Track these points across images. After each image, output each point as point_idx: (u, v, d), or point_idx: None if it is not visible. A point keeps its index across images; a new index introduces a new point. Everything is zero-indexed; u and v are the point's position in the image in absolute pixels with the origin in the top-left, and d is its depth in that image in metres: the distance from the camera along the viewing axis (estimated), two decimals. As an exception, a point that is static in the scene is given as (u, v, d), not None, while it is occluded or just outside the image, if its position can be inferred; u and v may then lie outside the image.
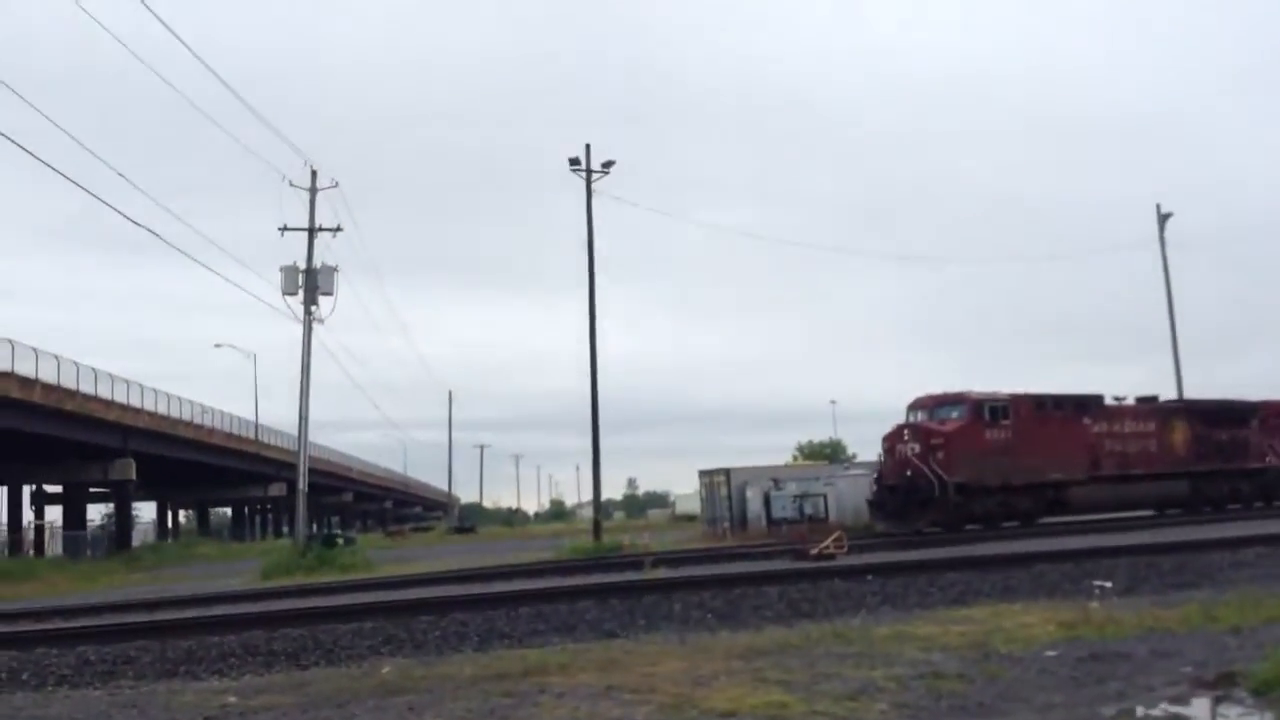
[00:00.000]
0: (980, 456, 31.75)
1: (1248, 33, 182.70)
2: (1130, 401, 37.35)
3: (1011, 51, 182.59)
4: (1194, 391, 46.98)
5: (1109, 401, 36.17)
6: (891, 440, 33.33)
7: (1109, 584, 15.73)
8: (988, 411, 32.72)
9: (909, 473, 31.66)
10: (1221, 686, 8.42)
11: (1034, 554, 19.29)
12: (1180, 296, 50.92)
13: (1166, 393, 44.47)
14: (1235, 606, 12.06)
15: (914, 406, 34.11)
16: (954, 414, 32.66)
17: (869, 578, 16.90)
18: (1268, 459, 38.95)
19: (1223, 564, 17.40)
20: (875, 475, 34.65)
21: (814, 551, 22.93)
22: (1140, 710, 7.74)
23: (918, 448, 32.02)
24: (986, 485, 31.79)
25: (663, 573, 19.86)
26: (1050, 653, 10.11)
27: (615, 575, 20.35)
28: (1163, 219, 52.05)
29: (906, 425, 33.10)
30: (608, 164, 39.29)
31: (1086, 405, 35.06)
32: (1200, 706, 7.94)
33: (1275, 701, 7.63)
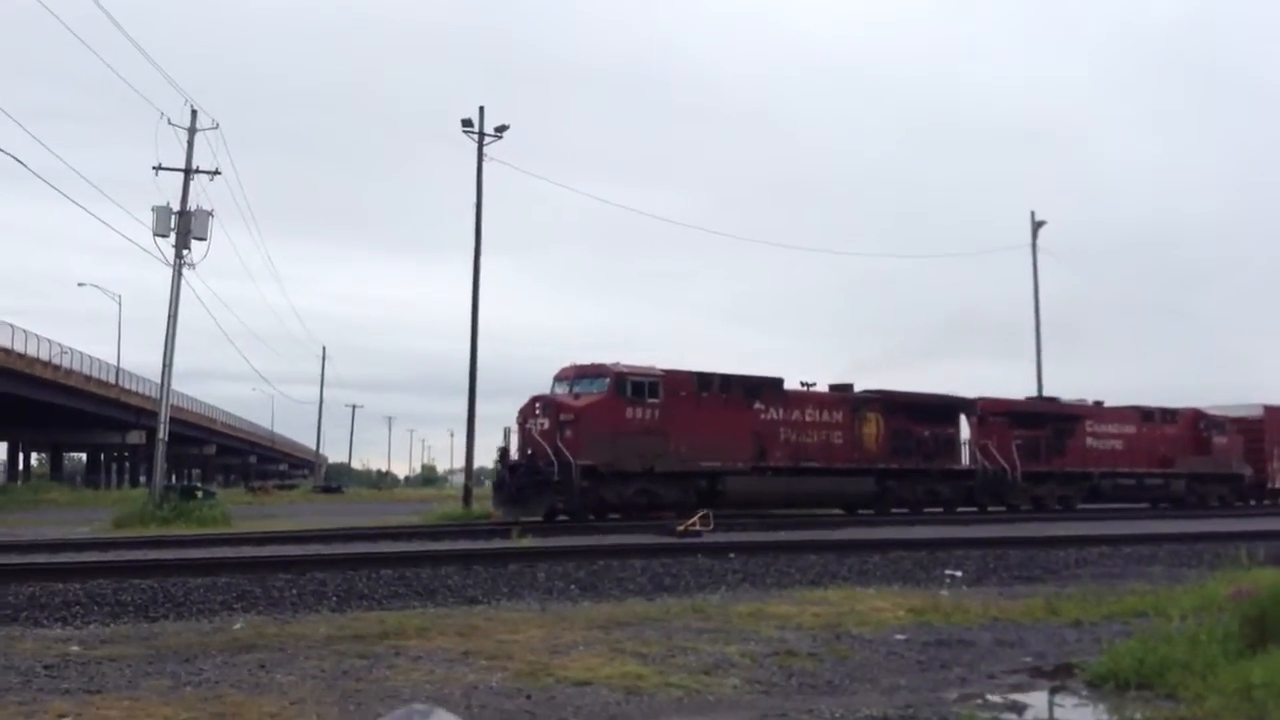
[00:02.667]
0: (617, 437, 27.86)
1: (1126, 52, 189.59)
2: (821, 389, 33.94)
3: (919, 50, 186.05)
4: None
5: (791, 387, 32.67)
6: (524, 415, 29.11)
7: (959, 573, 16.26)
8: (630, 387, 28.74)
9: (530, 452, 28.00)
10: (1059, 677, 8.77)
11: (891, 540, 19.82)
12: (1054, 297, 52.65)
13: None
14: (1077, 601, 12.57)
15: (558, 378, 30.44)
16: (593, 388, 28.87)
17: (731, 556, 17.15)
18: (979, 460, 35.96)
19: (1068, 560, 18.10)
20: (498, 454, 30.19)
21: (680, 528, 23.18)
22: (981, 696, 8.01)
23: (546, 424, 28.02)
24: (624, 470, 27.95)
25: (529, 541, 19.84)
26: (899, 636, 10.41)
27: (481, 542, 20.27)
28: (1035, 226, 54.01)
29: (539, 399, 29.14)
30: (501, 128, 38.84)
31: (758, 389, 31.40)
32: (1038, 695, 8.25)
33: (1108, 694, 7.98)
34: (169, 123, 36.66)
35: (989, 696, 7.96)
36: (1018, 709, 7.61)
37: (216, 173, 37.65)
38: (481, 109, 38.97)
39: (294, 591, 13.14)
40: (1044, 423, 38.06)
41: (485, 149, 38.55)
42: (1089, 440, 38.99)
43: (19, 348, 58.09)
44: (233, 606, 12.22)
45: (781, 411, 31.76)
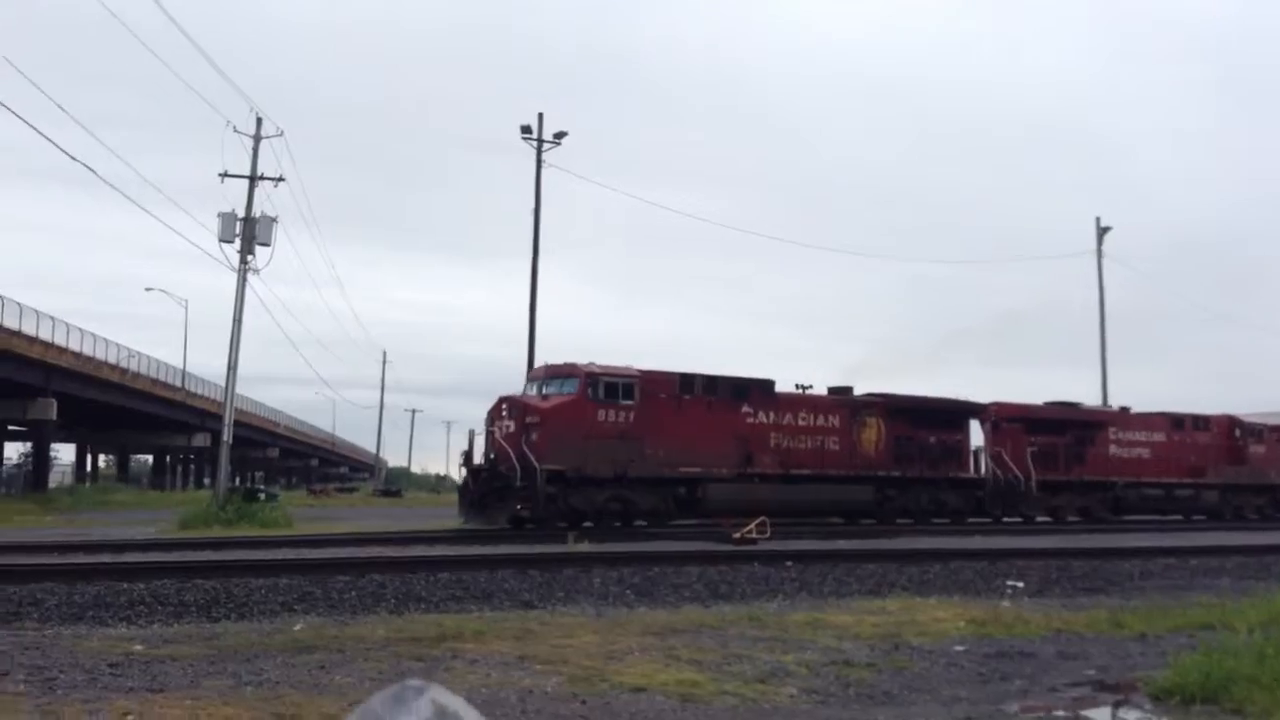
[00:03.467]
0: (588, 441, 26.31)
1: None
2: (819, 392, 32.17)
3: (973, 57, 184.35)
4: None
5: (784, 389, 30.86)
6: (491, 417, 27.66)
7: (1021, 584, 16.02)
8: (603, 389, 27.11)
9: (493, 455, 26.67)
10: (1123, 691, 8.61)
11: (951, 550, 19.59)
12: (1120, 303, 51.83)
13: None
14: (1142, 614, 12.34)
15: (530, 378, 29.25)
16: (563, 389, 27.34)
17: (788, 564, 17.04)
18: (990, 468, 34.23)
19: (1133, 572, 17.78)
20: (462, 459, 28.88)
21: (736, 535, 23.08)
22: (1042, 709, 7.88)
23: (511, 427, 26.52)
24: (594, 476, 26.41)
25: (585, 547, 19.86)
26: (959, 648, 10.27)
27: (537, 546, 20.33)
28: (1101, 231, 53.26)
29: (505, 399, 27.70)
30: (560, 134, 39.09)
31: (746, 391, 29.59)
32: (1101, 709, 8.10)
33: (1173, 708, 7.81)
34: (234, 130, 37.28)
35: (1051, 709, 7.83)
36: (1080, 723, 7.47)
37: (281, 179, 38.21)
38: (540, 116, 39.29)
39: (353, 593, 13.26)
40: (1063, 429, 36.11)
41: (545, 155, 38.77)
42: (1112, 448, 37.11)
43: (87, 351, 59.36)
44: (293, 608, 12.35)
45: (772, 415, 29.92)
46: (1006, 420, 35.13)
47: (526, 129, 38.94)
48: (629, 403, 27.32)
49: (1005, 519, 33.78)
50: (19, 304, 51.37)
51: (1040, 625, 11.66)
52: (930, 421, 32.89)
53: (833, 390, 32.54)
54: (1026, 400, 37.05)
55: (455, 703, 0.48)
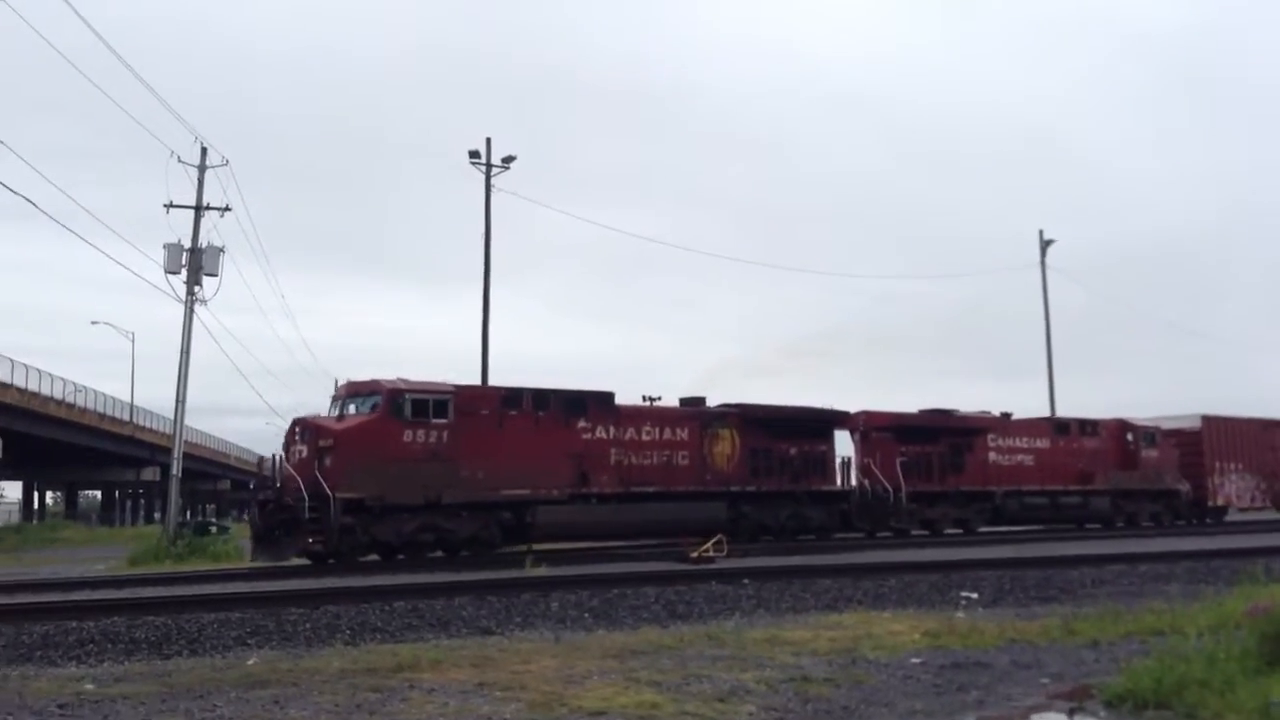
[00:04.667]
0: (391, 465, 23.71)
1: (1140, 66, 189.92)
2: (669, 404, 29.87)
3: (910, 63, 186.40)
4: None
5: (628, 401, 28.54)
6: (286, 442, 25.04)
7: (975, 595, 16.17)
8: (410, 406, 24.47)
9: (280, 484, 23.86)
10: (1077, 698, 8.71)
11: (905, 564, 19.73)
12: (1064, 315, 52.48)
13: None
14: (1094, 621, 12.50)
15: (334, 397, 26.66)
16: (365, 408, 24.69)
17: (745, 582, 17.09)
18: (856, 480, 32.15)
19: (1084, 580, 18.00)
20: (253, 487, 26.03)
21: (694, 555, 23.10)
22: (998, 719, 7.96)
23: (304, 451, 23.94)
24: (400, 503, 23.77)
25: (543, 571, 19.80)
26: (915, 660, 10.35)
27: (494, 572, 20.23)
28: (1044, 244, 54.13)
29: (299, 422, 25.24)
30: (508, 159, 39.06)
31: (582, 405, 27.31)
32: (1056, 717, 8.20)
33: (1127, 714, 7.92)
34: (179, 160, 36.91)
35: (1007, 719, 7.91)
36: (1035, 731, 7.56)
37: (227, 209, 37.87)
38: (489, 140, 39.23)
39: (308, 625, 13.13)
40: (937, 437, 34.12)
41: (493, 180, 38.75)
42: (992, 456, 35.10)
43: (33, 387, 58.31)
44: (246, 642, 12.21)
45: (612, 430, 27.58)
46: (876, 429, 33.20)
47: (475, 153, 38.91)
48: (441, 421, 24.76)
49: (877, 534, 32.02)
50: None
51: (995, 635, 11.78)
52: (791, 432, 30.81)
53: (684, 401, 30.52)
54: (899, 409, 35.02)
55: None
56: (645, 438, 28.28)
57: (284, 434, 25.37)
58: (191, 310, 36.66)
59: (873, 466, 32.32)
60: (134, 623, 13.01)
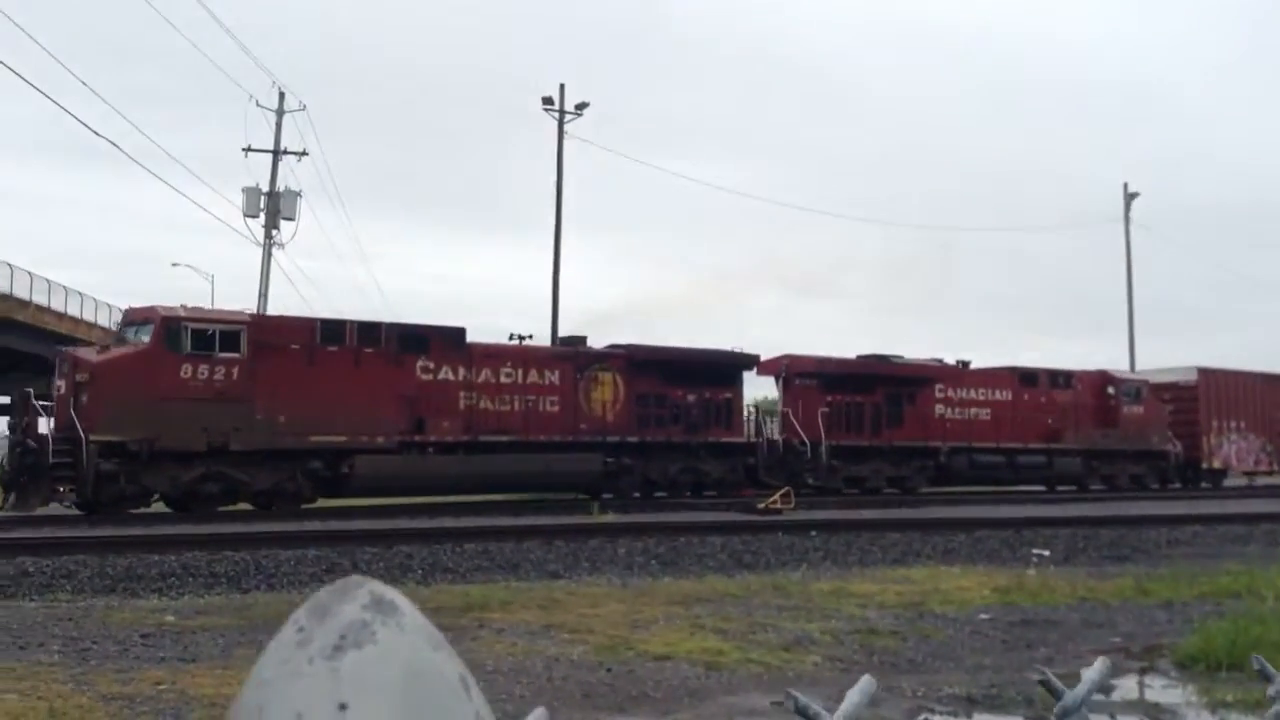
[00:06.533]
0: (164, 404, 20.44)
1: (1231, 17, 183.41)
2: (542, 343, 27.13)
3: (999, 14, 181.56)
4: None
5: (484, 339, 25.67)
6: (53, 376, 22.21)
7: (1047, 553, 16.01)
8: (191, 337, 21.21)
9: (27, 423, 20.92)
10: (1149, 658, 8.62)
11: (976, 520, 19.57)
12: (1153, 273, 51.34)
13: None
14: (1168, 582, 12.32)
15: (124, 323, 23.62)
16: (139, 338, 21.67)
17: (813, 533, 17.08)
18: (766, 431, 29.35)
19: (1160, 540, 17.73)
20: (7, 429, 22.92)
21: (761, 505, 23.12)
22: (1067, 676, 7.90)
23: (63, 387, 20.93)
24: (177, 449, 20.64)
25: (611, 518, 19.97)
26: (984, 616, 10.29)
27: (562, 517, 20.44)
28: (1129, 198, 52.81)
29: (59, 352, 22.67)
30: (581, 105, 38.92)
31: (422, 343, 24.21)
32: (1127, 676, 8.11)
33: (1199, 675, 7.81)
34: (257, 105, 37.38)
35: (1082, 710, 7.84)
36: (1105, 690, 7.48)
37: (304, 154, 38.34)
38: (562, 86, 39.09)
39: (381, 564, 13.39)
40: (872, 386, 30.49)
41: (566, 126, 38.70)
42: (939, 408, 31.49)
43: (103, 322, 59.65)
44: (322, 578, 12.46)
45: (461, 371, 24.47)
46: (799, 376, 29.93)
47: (548, 100, 38.85)
48: (232, 355, 21.60)
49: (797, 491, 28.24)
50: (47, 280, 51.67)
51: (1066, 593, 11.66)
52: (689, 378, 27.62)
53: (564, 341, 27.93)
54: (830, 354, 31.74)
55: (391, 593, 0.51)
56: (504, 380, 25.19)
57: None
58: (269, 253, 37.28)
59: (791, 417, 29.29)
60: (214, 557, 13.36)
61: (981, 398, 32.44)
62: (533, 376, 25.59)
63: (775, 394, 30.78)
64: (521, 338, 26.51)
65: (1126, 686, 7.78)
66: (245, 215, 37.15)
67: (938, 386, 31.79)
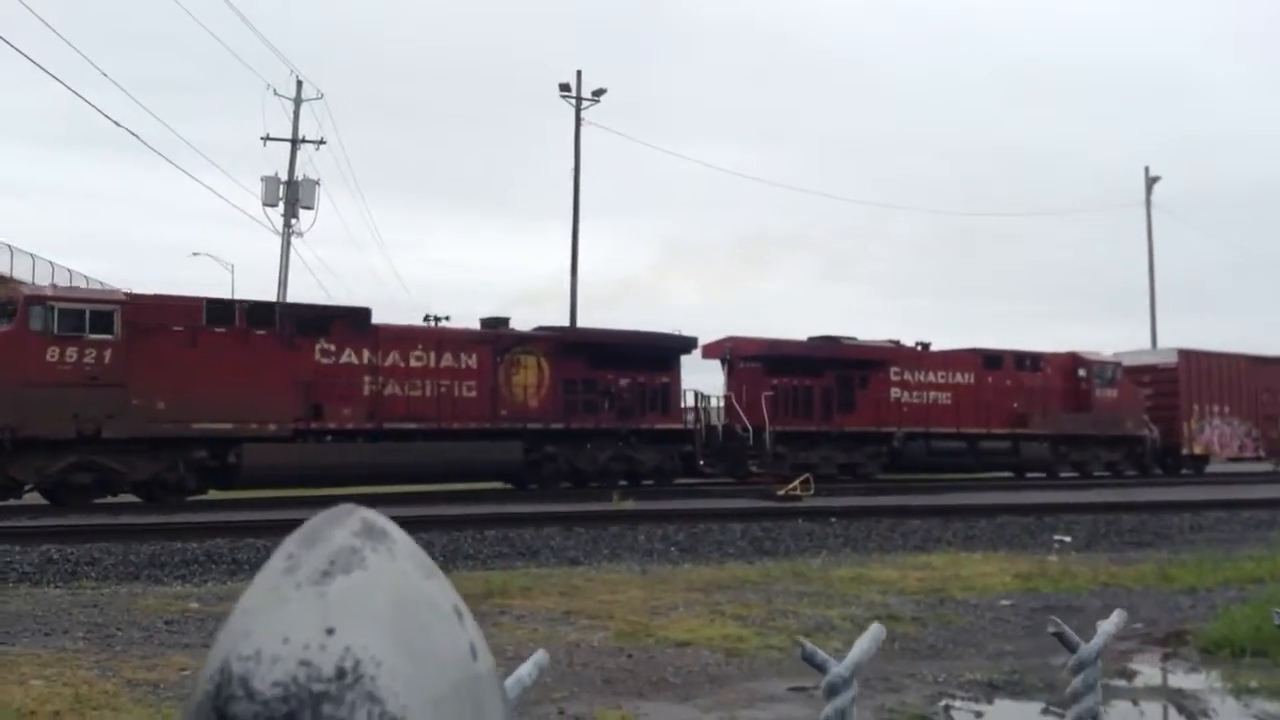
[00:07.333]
0: (27, 389, 19.34)
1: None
2: (462, 325, 25.44)
3: None
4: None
5: (391, 320, 24.47)
6: None
7: (1068, 539, 15.94)
8: (59, 318, 20.03)
9: None
10: (1171, 644, 8.58)
11: (996, 506, 19.50)
12: (1177, 258, 50.91)
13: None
14: (1191, 568, 12.26)
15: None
16: (4, 321, 20.45)
17: (832, 520, 17.05)
18: (705, 417, 28.16)
19: (1182, 526, 17.64)
20: None
21: (780, 492, 23.10)
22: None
23: None
24: (43, 436, 19.37)
25: (630, 505, 19.98)
26: (1005, 602, 10.26)
27: (582, 505, 20.47)
28: (1150, 182, 52.44)
29: None
30: (599, 92, 38.83)
31: (322, 324, 22.95)
32: (1149, 662, 8.08)
33: (1222, 661, 7.77)
34: (275, 94, 37.46)
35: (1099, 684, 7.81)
36: (1128, 675, 7.47)
37: (322, 142, 38.41)
38: (579, 73, 38.99)
39: (402, 551, 13.43)
40: (821, 370, 29.04)
41: (584, 113, 38.65)
42: (894, 392, 30.03)
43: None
44: (342, 565, 12.54)
45: (365, 354, 23.07)
46: (743, 359, 28.50)
47: (565, 87, 38.79)
48: (105, 337, 20.30)
49: (743, 481, 27.65)
50: (69, 269, 52.01)
51: (1088, 579, 11.62)
52: (622, 361, 26.17)
53: (484, 323, 26.15)
54: (779, 336, 30.13)
55: (383, 521, 0.51)
56: (414, 364, 23.78)
57: None
58: (288, 242, 37.40)
59: (734, 402, 27.98)
60: (237, 544, 13.45)
61: (941, 381, 31.09)
62: (447, 360, 24.18)
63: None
64: (438, 319, 25.04)
65: (1150, 672, 7.76)
66: (264, 204, 37.28)
67: (893, 369, 30.43)
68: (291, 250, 37.63)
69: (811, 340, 30.33)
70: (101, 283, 55.35)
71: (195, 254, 78.52)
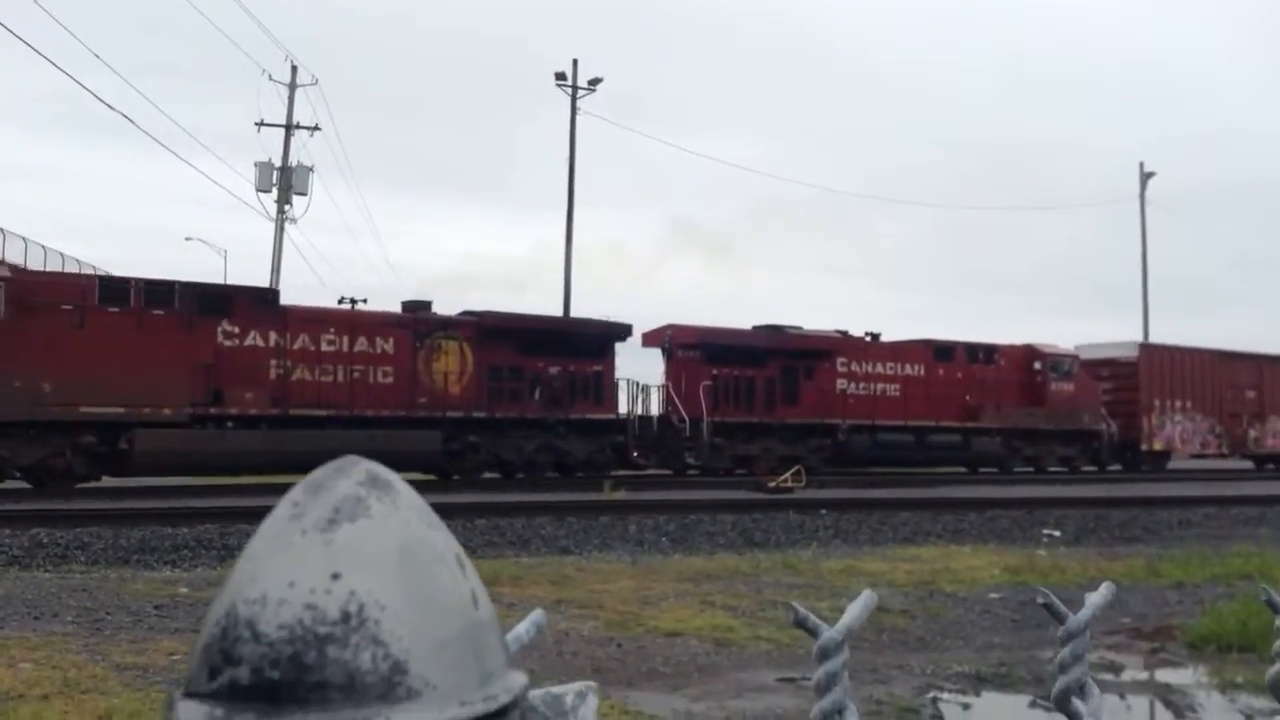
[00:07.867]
0: None
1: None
2: (377, 309, 24.42)
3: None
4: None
5: (302, 302, 23.72)
6: None
7: (1058, 533, 15.99)
8: None
9: None
10: (1159, 638, 8.61)
11: (986, 499, 19.56)
12: (1166, 253, 51.09)
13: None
14: (1179, 563, 12.31)
15: None
16: None
17: (823, 512, 17.09)
18: (638, 407, 27.19)
19: (1171, 521, 17.70)
20: None
21: (772, 484, 23.13)
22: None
23: None
24: None
25: (622, 495, 20.00)
26: (994, 595, 10.29)
27: (574, 494, 20.48)
28: (1145, 178, 52.57)
29: None
30: (594, 81, 38.76)
31: (225, 304, 21.88)
32: (1136, 656, 8.11)
33: (1209, 656, 7.81)
34: (269, 79, 37.34)
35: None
36: (1115, 669, 7.49)
37: (316, 128, 38.31)
38: (575, 62, 38.92)
39: (392, 539, 13.43)
40: (764, 360, 28.31)
41: (579, 102, 38.60)
42: (841, 383, 29.31)
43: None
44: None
45: (272, 336, 22.06)
46: (682, 348, 27.71)
47: (561, 75, 38.73)
48: None
49: (684, 473, 27.23)
50: (61, 253, 51.86)
51: (1076, 573, 11.65)
52: (551, 349, 25.26)
53: (406, 306, 25.10)
54: (720, 324, 29.36)
55: (387, 472, 0.51)
56: (325, 348, 22.69)
57: None
58: (282, 228, 37.33)
59: (672, 392, 27.29)
60: (227, 530, 13.45)
61: (890, 372, 30.38)
62: (361, 344, 23.15)
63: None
64: (354, 302, 24.01)
65: (1137, 666, 7.79)
66: (258, 190, 37.19)
67: (839, 360, 29.70)
68: (285, 236, 37.55)
69: (755, 329, 29.60)
70: (94, 267, 55.24)
71: (189, 239, 78.31)
